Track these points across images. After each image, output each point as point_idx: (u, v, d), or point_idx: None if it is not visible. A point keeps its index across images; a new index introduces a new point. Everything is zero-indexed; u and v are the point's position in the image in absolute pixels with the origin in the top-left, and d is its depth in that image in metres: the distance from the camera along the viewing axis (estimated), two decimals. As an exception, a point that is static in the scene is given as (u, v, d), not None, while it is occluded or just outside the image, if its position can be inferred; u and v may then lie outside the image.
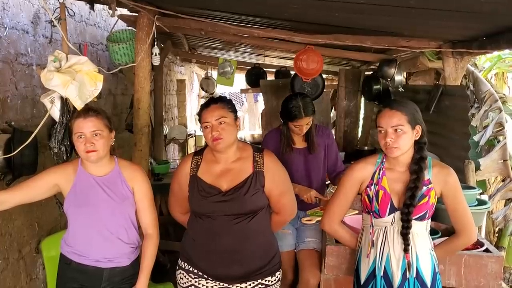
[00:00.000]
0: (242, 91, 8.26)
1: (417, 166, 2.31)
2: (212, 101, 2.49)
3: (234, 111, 2.52)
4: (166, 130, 7.57)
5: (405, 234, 2.30)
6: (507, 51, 5.77)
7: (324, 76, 6.21)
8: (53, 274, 3.15)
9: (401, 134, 2.25)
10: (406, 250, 2.30)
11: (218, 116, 2.42)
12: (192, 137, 9.45)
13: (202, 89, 9.12)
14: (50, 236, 3.42)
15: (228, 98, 2.61)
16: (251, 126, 14.82)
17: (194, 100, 12.23)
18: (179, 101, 10.13)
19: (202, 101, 11.61)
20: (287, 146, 3.37)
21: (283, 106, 3.35)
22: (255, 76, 7.39)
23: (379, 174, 2.40)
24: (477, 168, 4.27)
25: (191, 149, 9.55)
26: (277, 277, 2.58)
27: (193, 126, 11.02)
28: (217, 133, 2.40)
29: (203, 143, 9.84)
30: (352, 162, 5.49)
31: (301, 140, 3.42)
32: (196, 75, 12.05)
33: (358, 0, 2.25)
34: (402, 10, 2.42)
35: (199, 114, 2.51)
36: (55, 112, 2.71)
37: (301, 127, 3.28)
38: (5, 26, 3.09)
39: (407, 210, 2.29)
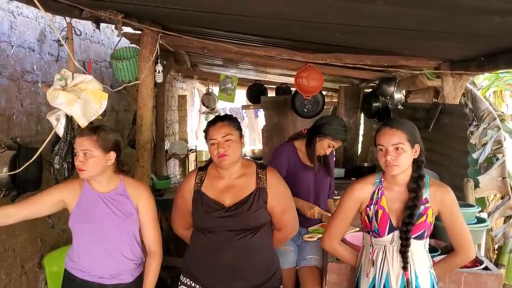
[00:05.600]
0: (244, 107, 8.31)
1: (415, 185, 2.34)
2: (219, 119, 2.55)
3: (239, 129, 2.58)
4: (167, 145, 7.61)
5: (404, 252, 2.33)
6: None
7: (324, 93, 6.27)
8: (55, 289, 3.19)
9: (401, 152, 2.28)
10: (405, 268, 2.33)
11: (224, 133, 2.47)
12: (192, 152, 9.48)
13: (203, 104, 9.17)
14: (53, 251, 3.46)
15: (234, 116, 2.66)
16: (251, 141, 14.89)
17: (195, 115, 12.29)
18: (180, 117, 10.18)
19: (203, 117, 11.68)
20: (312, 160, 3.39)
21: (327, 122, 3.36)
22: (256, 93, 7.45)
23: (378, 193, 2.42)
24: (476, 185, 4.30)
25: (191, 164, 9.58)
26: (278, 293, 2.60)
27: (193, 141, 11.07)
28: (223, 150, 2.45)
29: (203, 158, 9.88)
30: (352, 178, 5.58)
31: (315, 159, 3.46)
32: (198, 90, 12.13)
33: (359, 23, 2.30)
34: (402, 32, 2.48)
35: (206, 131, 2.56)
36: (60, 129, 2.76)
37: (333, 148, 3.38)
38: (12, 44, 3.15)
39: (406, 228, 2.32)
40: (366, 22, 2.29)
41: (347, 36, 3.12)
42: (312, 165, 3.42)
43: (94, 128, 2.48)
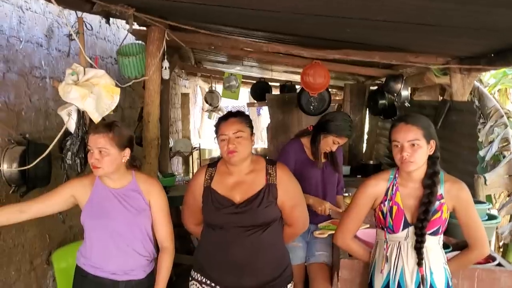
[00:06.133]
0: (248, 105, 8.31)
1: (430, 181, 2.33)
2: (231, 115, 2.52)
3: (251, 126, 2.55)
4: (171, 143, 7.60)
5: (419, 248, 2.31)
6: (512, 67, 5.83)
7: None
8: (64, 285, 3.18)
9: (417, 148, 2.26)
10: (420, 264, 2.32)
11: (235, 129, 2.45)
12: (196, 150, 9.48)
13: (207, 102, 9.17)
14: (61, 248, 3.44)
15: (246, 113, 2.64)
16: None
17: (197, 113, 12.28)
18: (183, 115, 10.17)
19: (206, 115, 11.68)
20: (316, 157, 3.37)
21: (331, 119, 3.33)
22: (260, 90, 7.44)
23: (392, 190, 2.41)
24: (483, 183, 4.29)
25: (195, 162, 9.57)
26: (289, 289, 2.59)
27: (196, 139, 11.06)
28: (233, 146, 2.43)
29: (206, 157, 9.88)
30: (358, 176, 5.57)
31: (323, 156, 3.45)
32: (200, 88, 12.12)
33: (376, 17, 2.29)
34: (418, 27, 2.46)
35: (217, 126, 2.53)
36: (72, 124, 2.74)
37: (338, 144, 3.33)
38: (21, 39, 3.14)
39: (421, 224, 2.30)
40: (385, 16, 2.27)
41: (358, 31, 3.11)
42: (322, 162, 3.41)
43: (109, 125, 2.45)
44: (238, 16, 3.12)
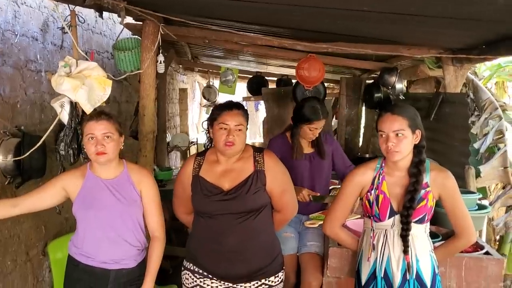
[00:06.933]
0: (244, 99, 8.32)
1: (416, 170, 2.36)
2: (235, 106, 2.52)
3: (247, 120, 2.57)
4: (169, 137, 7.64)
5: (404, 236, 2.35)
6: (507, 59, 5.85)
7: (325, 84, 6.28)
8: (59, 276, 3.21)
9: (402, 138, 2.30)
10: (405, 251, 2.35)
11: (238, 122, 2.47)
12: (194, 145, 9.52)
13: (204, 97, 9.20)
14: (56, 239, 3.48)
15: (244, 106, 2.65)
16: (251, 134, 14.86)
17: (195, 109, 12.31)
18: (181, 110, 10.21)
19: (204, 110, 11.70)
20: (298, 150, 3.40)
21: (299, 108, 3.39)
22: (256, 85, 7.44)
23: (378, 179, 2.45)
24: (478, 175, 4.32)
25: (193, 157, 9.60)
26: (280, 277, 2.63)
27: (194, 134, 11.08)
28: (233, 138, 2.45)
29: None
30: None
31: (308, 146, 3.47)
32: (198, 84, 12.15)
33: (361, 8, 2.32)
34: (404, 17, 2.49)
35: (217, 113, 2.51)
36: (65, 116, 2.78)
37: (316, 129, 3.34)
38: (16, 33, 3.17)
39: (406, 212, 2.34)
40: (368, 7, 2.29)
41: (348, 23, 3.13)
42: (306, 152, 3.45)
43: (105, 113, 2.50)
44: (229, 8, 3.15)
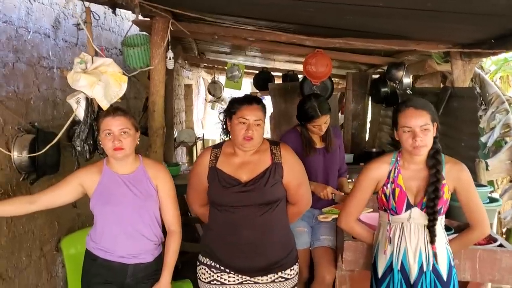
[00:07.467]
0: (251, 94, 8.33)
1: (434, 160, 2.37)
2: (254, 100, 2.53)
3: (265, 115, 2.59)
4: (175, 133, 7.66)
5: (431, 226, 2.37)
6: (512, 54, 5.85)
7: (331, 79, 6.30)
8: (73, 271, 3.24)
9: (427, 132, 2.31)
10: (432, 241, 2.37)
11: (257, 117, 2.48)
12: (200, 140, 9.54)
13: (210, 93, 9.21)
14: (69, 235, 3.51)
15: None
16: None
17: (200, 105, 12.32)
18: (187, 106, 10.21)
19: (209, 105, 11.71)
20: (309, 147, 3.41)
21: (299, 108, 3.42)
22: (262, 80, 7.45)
23: (394, 172, 2.46)
24: (486, 168, 4.35)
25: (199, 152, 9.63)
26: (295, 270, 2.65)
27: (200, 130, 11.11)
28: (252, 133, 2.46)
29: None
30: (361, 163, 5.62)
31: (319, 140, 3.49)
32: (203, 80, 12.16)
33: (376, 3, 2.33)
34: (417, 13, 2.50)
35: (236, 106, 2.51)
36: (80, 112, 2.80)
37: (320, 126, 3.35)
38: (29, 30, 3.18)
39: (432, 203, 2.35)
40: (384, 2, 2.31)
41: (359, 19, 3.14)
42: (319, 147, 3.47)
43: (121, 109, 2.53)
44: (239, 4, 3.16)
